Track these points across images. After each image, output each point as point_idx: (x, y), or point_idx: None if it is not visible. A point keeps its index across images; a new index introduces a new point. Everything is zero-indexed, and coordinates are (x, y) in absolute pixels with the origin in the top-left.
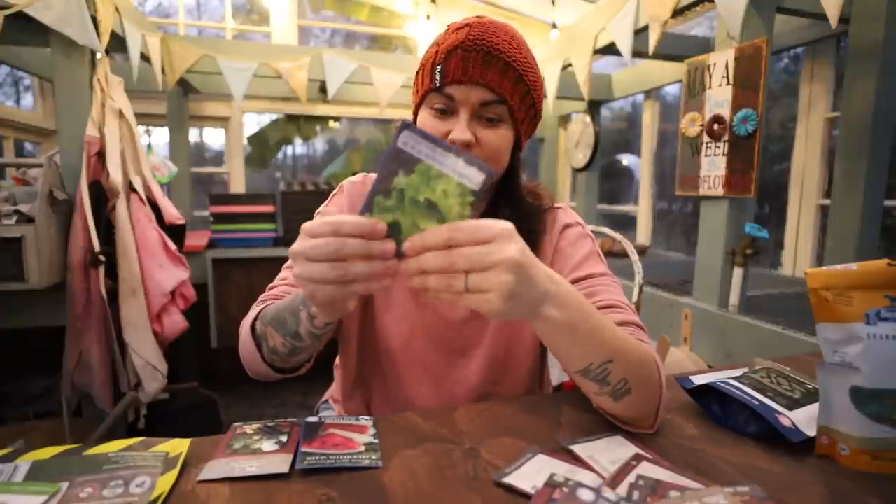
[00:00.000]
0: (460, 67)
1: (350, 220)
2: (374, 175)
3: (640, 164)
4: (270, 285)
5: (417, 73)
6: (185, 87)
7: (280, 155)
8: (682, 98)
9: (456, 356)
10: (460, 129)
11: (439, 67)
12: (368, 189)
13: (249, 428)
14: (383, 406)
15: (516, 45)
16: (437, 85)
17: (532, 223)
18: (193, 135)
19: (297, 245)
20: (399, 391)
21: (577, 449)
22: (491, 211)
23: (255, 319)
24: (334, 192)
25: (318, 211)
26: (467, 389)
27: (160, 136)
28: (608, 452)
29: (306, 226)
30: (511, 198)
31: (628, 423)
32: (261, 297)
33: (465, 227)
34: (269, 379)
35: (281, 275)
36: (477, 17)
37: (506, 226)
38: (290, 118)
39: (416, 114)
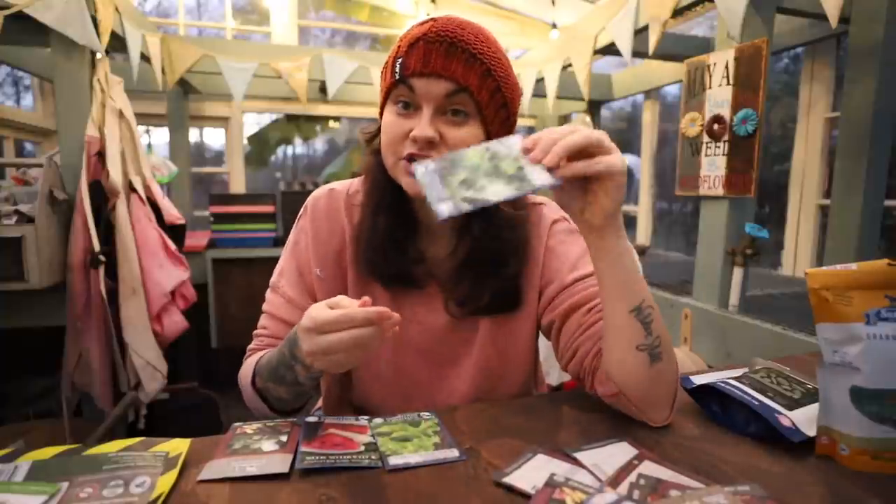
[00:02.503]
0: (421, 58)
1: (361, 315)
2: (339, 187)
3: (640, 164)
4: (256, 332)
5: (382, 72)
6: (185, 87)
7: (280, 155)
8: (682, 98)
9: (446, 367)
10: (423, 126)
11: (400, 60)
12: (334, 204)
13: (249, 428)
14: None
15: (484, 39)
16: (398, 77)
17: (511, 232)
18: (193, 135)
19: (312, 345)
20: (390, 406)
21: (582, 457)
22: (460, 224)
23: (254, 376)
24: (301, 212)
25: (288, 239)
26: (460, 400)
27: (160, 136)
28: (612, 459)
29: (318, 323)
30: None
31: (646, 410)
32: (249, 348)
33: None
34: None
35: (262, 321)
36: (445, 15)
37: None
38: (290, 118)
39: (381, 114)
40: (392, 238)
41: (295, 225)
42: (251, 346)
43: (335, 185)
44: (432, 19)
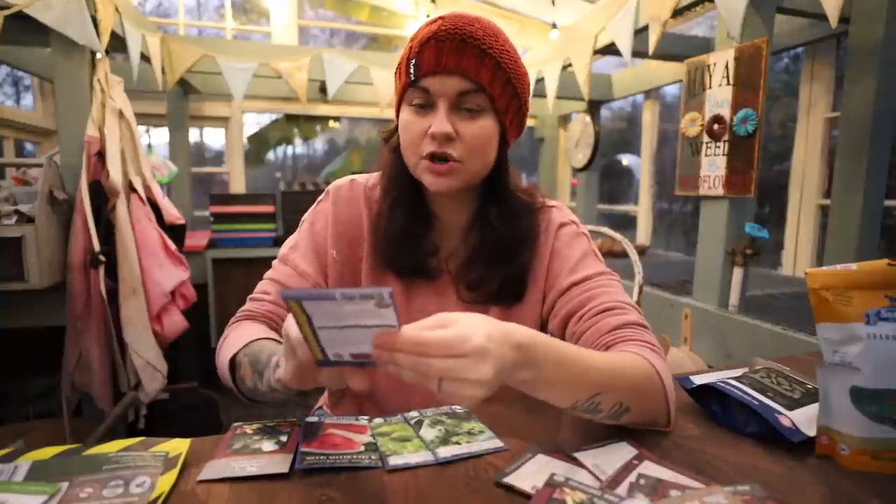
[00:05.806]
0: (433, 58)
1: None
2: (360, 178)
3: (640, 164)
4: (252, 296)
5: (395, 71)
6: (185, 87)
7: (280, 155)
8: (682, 98)
9: None
10: (439, 122)
11: (413, 61)
12: (355, 194)
13: (249, 428)
14: (377, 414)
15: (492, 34)
16: (413, 79)
17: (524, 222)
18: (193, 135)
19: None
20: (393, 400)
21: (582, 457)
22: (479, 212)
23: (239, 350)
24: (321, 196)
25: (304, 218)
26: None
27: (160, 136)
28: (612, 459)
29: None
30: (499, 197)
31: (644, 427)
32: (244, 310)
33: (433, 342)
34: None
35: (262, 286)
36: (452, 12)
37: (480, 345)
38: (290, 118)
39: (398, 113)
40: (408, 232)
41: (313, 207)
42: (246, 308)
43: (356, 176)
44: (441, 18)
